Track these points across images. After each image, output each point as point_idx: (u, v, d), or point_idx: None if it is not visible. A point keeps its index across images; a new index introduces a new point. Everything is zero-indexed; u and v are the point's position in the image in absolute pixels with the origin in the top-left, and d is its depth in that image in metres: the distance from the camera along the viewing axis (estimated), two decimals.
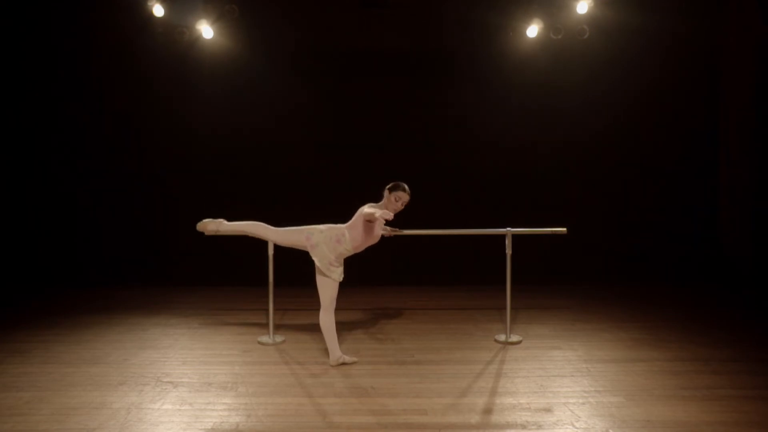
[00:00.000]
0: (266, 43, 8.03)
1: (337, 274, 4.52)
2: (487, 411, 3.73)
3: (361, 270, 5.68)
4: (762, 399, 3.89)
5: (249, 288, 7.23)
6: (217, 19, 7.55)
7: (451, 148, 8.33)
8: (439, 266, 8.14)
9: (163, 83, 8.08)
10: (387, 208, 4.53)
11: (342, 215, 4.75)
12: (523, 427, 3.51)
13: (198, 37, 7.64)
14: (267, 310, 5.30)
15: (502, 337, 5.24)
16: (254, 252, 6.15)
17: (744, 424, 3.53)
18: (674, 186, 8.30)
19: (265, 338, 5.24)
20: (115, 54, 8.04)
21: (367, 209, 4.36)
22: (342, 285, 4.60)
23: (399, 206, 4.58)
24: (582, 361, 4.66)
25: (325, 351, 4.70)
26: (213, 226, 4.77)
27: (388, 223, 4.59)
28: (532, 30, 7.81)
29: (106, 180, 8.18)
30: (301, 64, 8.18)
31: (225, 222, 4.77)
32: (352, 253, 4.60)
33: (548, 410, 3.74)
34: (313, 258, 4.50)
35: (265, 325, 5.50)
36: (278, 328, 5.55)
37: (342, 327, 5.36)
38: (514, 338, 5.22)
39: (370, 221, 4.43)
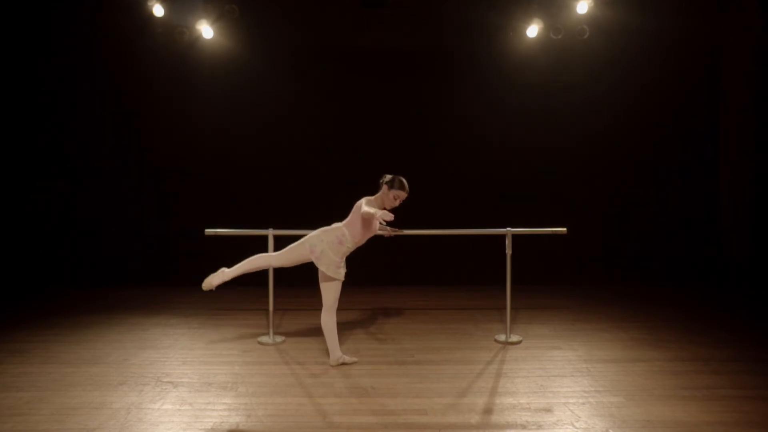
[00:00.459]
0: (266, 43, 8.03)
1: (342, 273, 4.50)
2: (487, 411, 3.73)
3: (361, 270, 5.68)
4: (762, 399, 3.89)
5: (249, 288, 7.23)
6: (217, 19, 7.55)
7: (451, 148, 8.33)
8: (439, 266, 8.13)
9: (163, 83, 8.08)
10: (383, 203, 4.49)
11: (342, 215, 4.74)
12: (523, 427, 3.51)
13: (198, 37, 7.64)
14: (267, 310, 5.30)
15: (502, 337, 5.25)
16: (254, 252, 6.14)
17: (744, 424, 3.53)
18: (674, 186, 8.30)
19: (265, 338, 5.24)
20: (115, 54, 8.04)
21: (365, 207, 4.29)
22: (342, 285, 4.58)
23: (396, 204, 4.53)
24: (582, 361, 4.66)
25: (325, 351, 4.70)
26: (218, 278, 4.63)
27: (388, 223, 4.54)
28: (532, 30, 7.81)
29: (106, 180, 8.18)
30: (301, 64, 8.18)
31: (226, 270, 4.64)
32: (354, 248, 4.57)
33: (548, 410, 3.74)
34: (321, 267, 4.41)
35: (265, 325, 5.50)
36: (278, 328, 5.55)
37: (342, 327, 5.35)
38: (514, 338, 5.22)
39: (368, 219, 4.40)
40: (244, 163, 8.20)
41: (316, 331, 5.33)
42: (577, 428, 3.49)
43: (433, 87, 8.33)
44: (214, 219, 6.27)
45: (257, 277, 6.33)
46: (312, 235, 4.51)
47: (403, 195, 4.53)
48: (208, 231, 5.24)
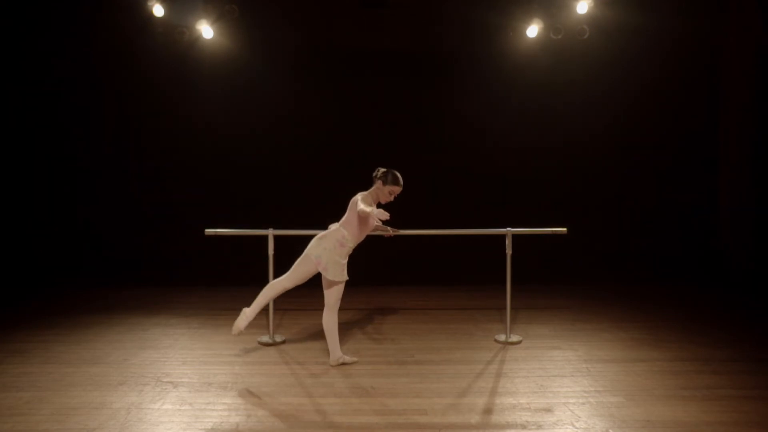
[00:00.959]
0: (266, 43, 8.03)
1: (346, 274, 4.48)
2: (487, 411, 3.73)
3: (361, 270, 5.68)
4: (762, 399, 3.89)
5: (249, 288, 7.21)
6: (217, 19, 7.55)
7: (451, 148, 8.34)
8: (439, 266, 8.14)
9: (163, 83, 8.08)
10: (378, 198, 4.45)
11: (342, 215, 4.74)
12: (523, 427, 3.51)
13: (198, 37, 7.64)
14: (267, 310, 5.30)
15: (502, 337, 5.24)
16: (254, 252, 6.15)
17: (744, 424, 3.52)
18: (674, 186, 8.30)
19: (265, 338, 5.23)
20: (115, 54, 8.05)
21: (361, 204, 4.24)
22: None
23: (391, 198, 4.48)
24: (582, 361, 4.65)
25: (325, 351, 4.70)
26: (243, 321, 4.55)
27: (386, 222, 4.52)
28: (532, 30, 7.82)
29: (106, 180, 8.19)
30: (301, 64, 8.19)
31: (247, 309, 4.59)
32: (355, 246, 4.54)
33: (548, 410, 3.74)
34: (329, 277, 4.37)
35: (265, 325, 5.49)
36: (278, 328, 5.55)
37: (342, 327, 5.35)
38: (514, 338, 5.22)
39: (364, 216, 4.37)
40: (244, 163, 8.20)
41: (316, 331, 5.32)
42: (577, 428, 3.49)
43: (433, 87, 8.34)
44: (214, 219, 6.27)
45: (257, 277, 6.34)
46: (311, 246, 4.45)
47: (398, 189, 4.47)
48: (208, 231, 5.24)
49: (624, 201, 8.39)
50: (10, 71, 7.91)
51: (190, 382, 4.23)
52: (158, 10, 7.29)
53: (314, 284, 4.61)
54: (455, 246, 7.75)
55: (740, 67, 7.85)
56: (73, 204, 8.15)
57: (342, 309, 4.59)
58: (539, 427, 3.51)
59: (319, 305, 4.56)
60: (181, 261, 8.10)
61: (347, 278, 4.47)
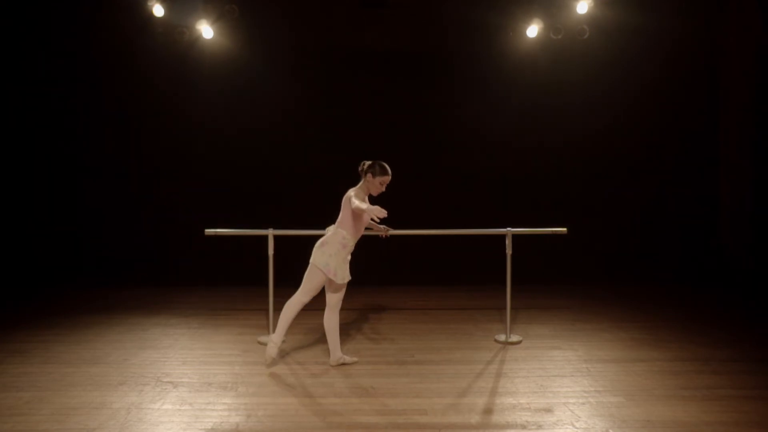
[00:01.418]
0: (266, 43, 8.03)
1: (349, 273, 4.47)
2: (487, 411, 3.73)
3: (361, 270, 5.68)
4: (762, 399, 3.89)
5: (249, 288, 7.23)
6: (217, 19, 7.55)
7: (451, 148, 8.34)
8: (439, 266, 8.14)
9: (163, 83, 8.08)
10: (369, 191, 4.42)
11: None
12: (523, 427, 3.51)
13: (198, 37, 7.64)
14: (267, 310, 5.30)
15: (502, 337, 5.24)
16: (254, 252, 6.16)
17: (744, 424, 3.52)
18: (674, 186, 8.30)
19: (265, 338, 5.23)
20: (115, 54, 8.05)
21: (355, 201, 4.20)
22: None
23: (383, 189, 4.45)
24: (582, 361, 4.65)
25: (326, 351, 4.70)
26: (272, 348, 4.48)
27: (381, 221, 4.47)
28: (532, 30, 7.82)
29: (106, 180, 8.19)
30: (301, 64, 8.19)
31: (273, 336, 4.51)
32: (355, 243, 4.53)
33: (548, 410, 3.74)
34: (338, 281, 4.36)
35: (265, 325, 5.49)
36: None
37: (343, 327, 5.34)
38: (514, 338, 5.22)
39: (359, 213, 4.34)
40: (244, 163, 8.20)
41: (316, 331, 5.32)
42: (577, 428, 3.49)
43: (433, 87, 8.34)
44: (214, 219, 6.28)
45: (257, 277, 6.35)
46: (315, 256, 4.40)
47: (388, 179, 4.43)
48: (208, 231, 5.24)
49: (624, 201, 8.39)
50: (10, 71, 7.92)
51: (190, 382, 4.23)
52: (158, 10, 7.29)
53: None
54: (455, 246, 7.75)
55: (740, 67, 7.85)
56: (73, 204, 8.15)
57: (342, 309, 4.59)
58: (539, 427, 3.51)
59: (319, 305, 4.56)
60: (181, 261, 8.10)
61: (350, 278, 4.47)
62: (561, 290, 7.29)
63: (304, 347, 5.03)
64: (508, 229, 5.20)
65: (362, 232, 4.51)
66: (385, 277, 7.74)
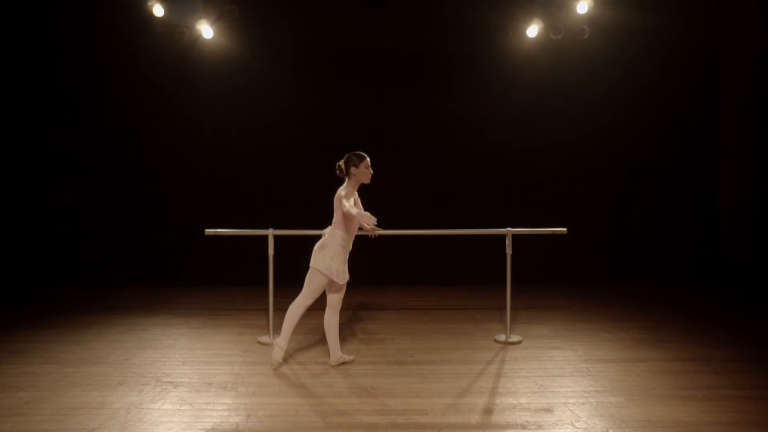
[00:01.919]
0: (266, 43, 8.03)
1: (348, 272, 4.47)
2: (487, 411, 3.73)
3: (361, 270, 5.68)
4: (762, 399, 3.89)
5: (249, 288, 7.23)
6: (217, 19, 7.55)
7: (451, 148, 8.33)
8: (439, 266, 8.13)
9: (163, 83, 8.08)
10: (359, 182, 4.38)
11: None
12: (523, 427, 3.51)
13: (198, 37, 7.64)
14: (267, 310, 5.30)
15: (502, 337, 5.24)
16: (254, 252, 6.16)
17: (744, 424, 3.53)
18: (674, 186, 8.30)
19: (265, 338, 5.23)
20: (115, 54, 8.04)
21: (345, 204, 4.16)
22: None
23: (371, 172, 4.41)
24: (582, 361, 4.66)
25: (325, 351, 4.70)
26: (278, 352, 4.48)
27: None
28: (532, 30, 7.82)
29: (106, 180, 8.18)
30: (301, 64, 8.18)
31: (278, 340, 4.51)
32: (352, 240, 4.52)
33: (548, 410, 3.74)
34: (340, 282, 4.36)
35: (265, 325, 5.50)
36: (278, 328, 5.54)
37: (342, 327, 5.35)
38: (514, 338, 5.22)
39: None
40: (244, 163, 8.20)
41: (316, 331, 5.32)
42: (577, 428, 3.49)
43: (433, 87, 8.34)
44: (214, 219, 6.28)
45: (257, 277, 6.35)
46: (315, 259, 4.38)
47: (368, 160, 4.39)
48: (208, 231, 5.24)
49: (624, 201, 8.39)
50: (10, 71, 7.91)
51: (190, 382, 4.23)
52: (158, 10, 7.28)
53: None
54: (455, 246, 7.75)
55: (740, 67, 7.85)
56: (72, 204, 8.15)
57: (342, 309, 4.59)
58: (539, 427, 3.51)
59: (319, 305, 4.56)
60: (181, 261, 8.10)
61: (348, 277, 4.47)
62: (561, 290, 7.29)
63: (304, 347, 5.04)
64: (508, 229, 5.20)
65: (357, 229, 4.50)
66: (385, 277, 7.74)
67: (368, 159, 4.39)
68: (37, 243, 8.07)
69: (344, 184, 4.40)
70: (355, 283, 4.49)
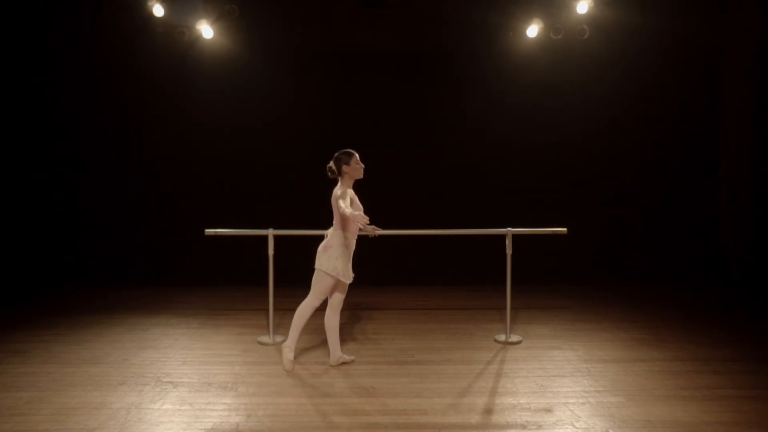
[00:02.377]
0: (266, 43, 8.03)
1: (351, 271, 4.47)
2: (487, 411, 3.73)
3: (361, 270, 5.68)
4: (762, 399, 3.89)
5: (249, 288, 7.23)
6: (217, 19, 7.55)
7: (451, 148, 8.33)
8: (439, 266, 8.13)
9: (163, 83, 8.08)
10: (353, 178, 4.38)
11: None
12: (523, 427, 3.51)
13: (198, 37, 7.63)
14: (267, 310, 5.30)
15: (502, 337, 5.25)
16: (254, 252, 6.15)
17: (744, 424, 3.53)
18: (674, 186, 8.30)
19: (265, 338, 5.24)
20: (115, 54, 8.04)
21: (341, 205, 4.16)
22: None
23: (363, 166, 4.42)
24: (582, 361, 4.66)
25: (325, 351, 4.70)
26: (287, 354, 4.46)
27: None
28: (532, 30, 7.81)
29: (106, 180, 8.18)
30: (301, 64, 8.18)
31: (287, 342, 4.49)
32: (355, 238, 4.52)
33: (548, 410, 3.74)
34: (346, 281, 4.38)
35: (265, 325, 5.50)
36: (278, 328, 5.55)
37: (342, 327, 5.34)
38: (514, 338, 5.22)
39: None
40: (244, 163, 8.20)
41: (316, 331, 5.32)
42: (577, 428, 3.49)
43: (433, 87, 8.34)
44: (214, 219, 6.27)
45: (257, 277, 6.34)
46: (321, 261, 4.37)
47: (357, 155, 4.40)
48: (208, 231, 5.24)
49: (624, 201, 8.38)
50: (10, 71, 7.91)
51: (190, 382, 4.23)
52: (158, 10, 7.28)
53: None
54: (455, 246, 7.75)
55: (740, 67, 7.84)
56: (72, 204, 8.15)
57: (342, 309, 4.59)
58: (539, 427, 3.51)
59: (319, 305, 4.56)
60: (181, 261, 8.10)
61: (353, 276, 4.48)
62: (561, 290, 7.29)
63: (304, 347, 5.03)
64: (508, 229, 5.20)
65: (358, 229, 4.50)
66: (385, 277, 7.74)
67: (357, 155, 4.41)
68: (37, 243, 8.06)
69: (338, 184, 4.40)
70: (355, 283, 4.49)
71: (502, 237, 5.26)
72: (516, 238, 5.20)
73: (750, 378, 4.26)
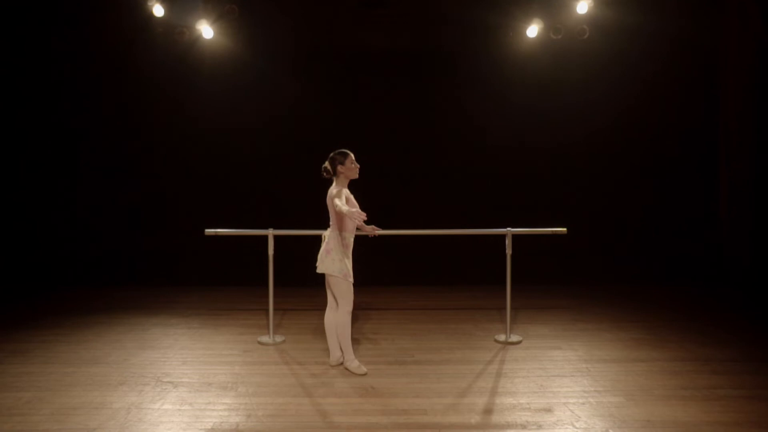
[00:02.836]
0: (266, 43, 8.03)
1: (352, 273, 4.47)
2: (487, 411, 3.73)
3: (361, 270, 5.68)
4: (762, 399, 3.89)
5: (249, 288, 7.23)
6: (217, 19, 7.54)
7: (452, 148, 8.34)
8: (439, 266, 8.14)
9: (163, 83, 8.08)
10: (348, 178, 4.38)
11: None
12: (523, 427, 3.51)
13: (198, 37, 7.63)
14: (267, 310, 5.30)
15: (502, 337, 5.25)
16: (254, 252, 6.15)
17: (744, 424, 3.53)
18: (674, 186, 8.30)
19: (265, 338, 5.24)
20: (115, 54, 8.04)
21: (338, 204, 4.14)
22: None
23: (358, 167, 4.41)
24: (582, 361, 4.66)
25: (325, 351, 4.71)
26: (354, 363, 4.43)
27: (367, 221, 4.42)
28: (532, 30, 7.81)
29: (106, 179, 8.19)
30: (301, 64, 8.18)
31: (346, 357, 4.45)
32: (353, 236, 4.51)
33: (548, 410, 3.74)
34: (350, 279, 4.37)
35: (265, 325, 5.50)
36: (278, 328, 5.55)
37: None
38: (514, 338, 5.22)
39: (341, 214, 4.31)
40: (244, 163, 8.20)
41: (316, 331, 5.33)
42: (577, 428, 3.49)
43: (433, 87, 8.34)
44: (214, 219, 6.28)
45: (257, 277, 6.34)
46: (326, 266, 4.36)
47: (352, 155, 4.40)
48: (208, 231, 5.24)
49: (624, 201, 8.38)
50: (11, 71, 7.91)
51: (190, 382, 4.23)
52: (158, 10, 7.27)
53: (316, 284, 4.61)
54: (455, 246, 7.75)
55: (740, 67, 7.84)
56: (72, 204, 8.15)
57: None
58: (539, 427, 3.51)
59: (318, 305, 4.57)
60: (181, 261, 8.10)
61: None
62: (561, 290, 7.29)
63: (304, 347, 5.04)
64: (508, 229, 5.20)
65: (356, 228, 4.49)
66: (385, 277, 7.74)
67: (352, 155, 4.41)
68: (37, 243, 8.07)
69: (333, 184, 4.40)
70: (354, 283, 4.49)
71: (502, 237, 5.26)
72: (516, 238, 5.20)
73: (750, 378, 4.26)
